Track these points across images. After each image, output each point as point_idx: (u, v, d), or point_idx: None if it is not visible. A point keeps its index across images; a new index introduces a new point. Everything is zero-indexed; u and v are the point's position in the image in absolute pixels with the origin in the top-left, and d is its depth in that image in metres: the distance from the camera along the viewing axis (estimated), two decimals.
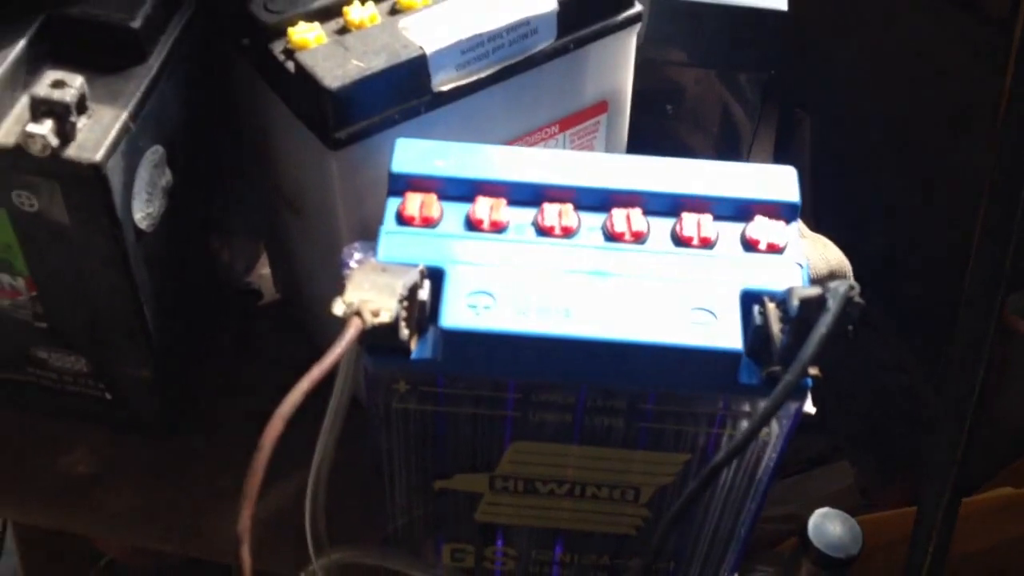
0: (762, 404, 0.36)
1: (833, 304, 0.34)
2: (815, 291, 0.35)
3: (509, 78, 0.51)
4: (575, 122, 0.57)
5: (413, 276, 0.38)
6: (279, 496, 0.56)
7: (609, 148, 0.61)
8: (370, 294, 0.35)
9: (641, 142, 0.64)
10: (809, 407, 0.56)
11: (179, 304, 0.55)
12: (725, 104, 0.71)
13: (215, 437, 0.60)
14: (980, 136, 0.48)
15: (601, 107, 0.58)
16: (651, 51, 0.65)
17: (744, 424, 0.42)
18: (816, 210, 0.89)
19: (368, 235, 0.43)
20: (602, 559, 0.52)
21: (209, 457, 0.60)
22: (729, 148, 0.72)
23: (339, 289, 0.36)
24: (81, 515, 0.59)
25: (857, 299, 0.34)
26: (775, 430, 0.43)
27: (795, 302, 0.36)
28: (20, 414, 0.60)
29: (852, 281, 0.58)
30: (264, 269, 0.69)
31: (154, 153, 0.48)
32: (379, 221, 0.43)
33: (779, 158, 0.84)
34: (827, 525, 0.55)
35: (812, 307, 0.35)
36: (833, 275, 0.62)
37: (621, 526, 0.48)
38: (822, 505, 0.57)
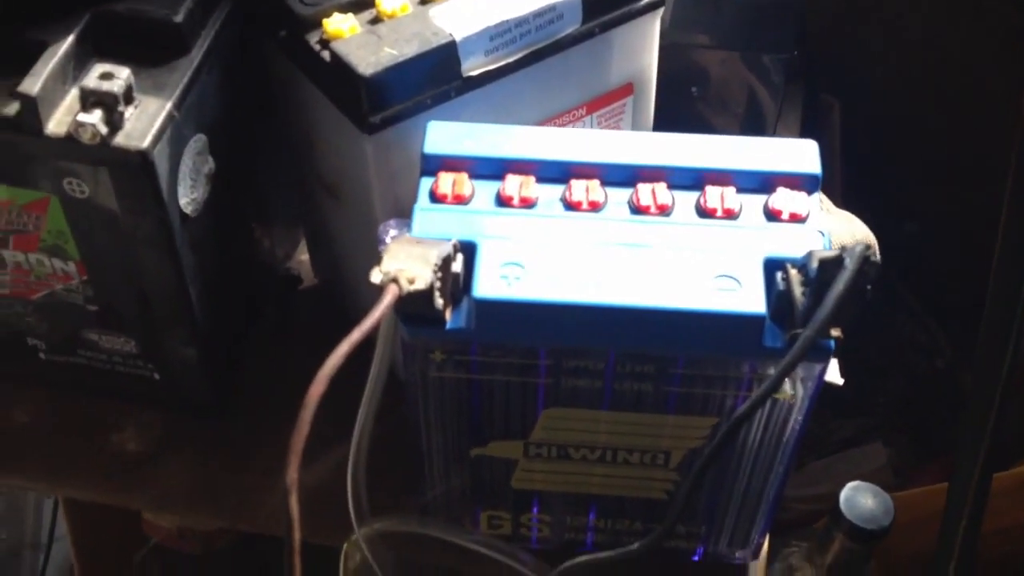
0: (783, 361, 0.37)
1: (850, 263, 0.35)
2: (834, 253, 0.37)
3: (536, 62, 0.53)
4: (602, 104, 0.59)
5: (447, 248, 0.39)
6: (321, 469, 0.58)
7: (635, 129, 0.62)
8: (406, 263, 0.37)
9: (667, 124, 0.65)
10: (836, 377, 0.57)
11: (223, 286, 0.57)
12: (749, 86, 0.72)
13: (260, 417, 0.62)
14: (1012, 120, 0.48)
15: (627, 89, 0.59)
16: (676, 34, 0.66)
17: None
18: (846, 195, 0.90)
19: (403, 215, 0.45)
20: (635, 524, 0.53)
21: (255, 436, 0.62)
22: (754, 129, 0.73)
23: (376, 261, 0.38)
24: (134, 492, 0.61)
25: (874, 258, 0.35)
26: (800, 392, 0.44)
27: (814, 264, 0.37)
28: (73, 395, 0.63)
29: (869, 242, 0.59)
30: (303, 255, 0.71)
31: (197, 141, 0.50)
32: (413, 201, 0.45)
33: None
34: (859, 498, 0.56)
35: (831, 268, 0.36)
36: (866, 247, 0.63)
37: (652, 491, 0.50)
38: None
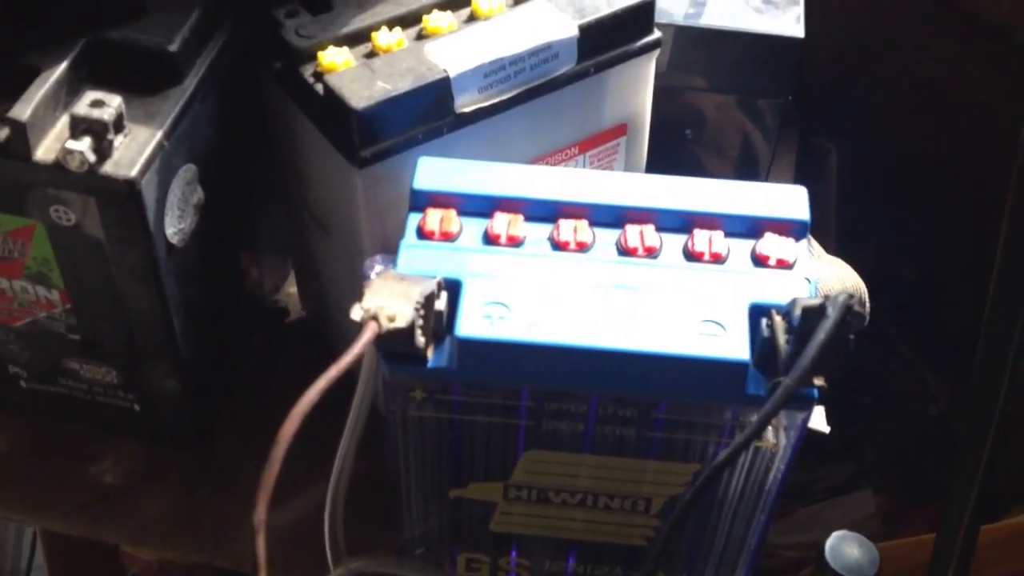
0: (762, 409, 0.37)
1: (832, 312, 0.35)
2: (816, 301, 0.36)
3: (530, 100, 0.53)
4: (595, 144, 0.59)
5: (430, 286, 0.39)
6: (299, 506, 0.58)
7: (628, 169, 0.62)
8: (387, 300, 0.37)
9: (661, 165, 0.66)
10: (822, 425, 0.57)
11: (208, 318, 0.56)
12: (744, 130, 0.72)
13: (244, 449, 0.62)
14: (1009, 170, 0.48)
15: (620, 130, 0.60)
16: (671, 77, 0.66)
17: None
18: (842, 240, 0.90)
19: (391, 250, 0.45)
20: (615, 570, 0.52)
21: (238, 469, 0.61)
22: (747, 173, 0.73)
23: (359, 296, 0.37)
24: (110, 525, 0.60)
25: (857, 308, 0.35)
26: (782, 441, 0.43)
27: (797, 312, 0.37)
28: (52, 425, 0.62)
29: (853, 291, 0.59)
30: (291, 288, 0.70)
31: (187, 171, 0.50)
32: (401, 236, 0.45)
33: (801, 185, 0.85)
34: (844, 547, 0.55)
35: (813, 316, 0.36)
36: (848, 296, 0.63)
37: (633, 537, 0.49)
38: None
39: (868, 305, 0.65)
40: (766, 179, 0.73)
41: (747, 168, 0.73)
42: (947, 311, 0.90)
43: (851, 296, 0.35)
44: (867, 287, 0.62)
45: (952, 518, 0.53)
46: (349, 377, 0.41)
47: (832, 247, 0.91)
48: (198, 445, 0.61)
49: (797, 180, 0.83)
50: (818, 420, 0.67)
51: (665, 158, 0.66)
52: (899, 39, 0.84)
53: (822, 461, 0.98)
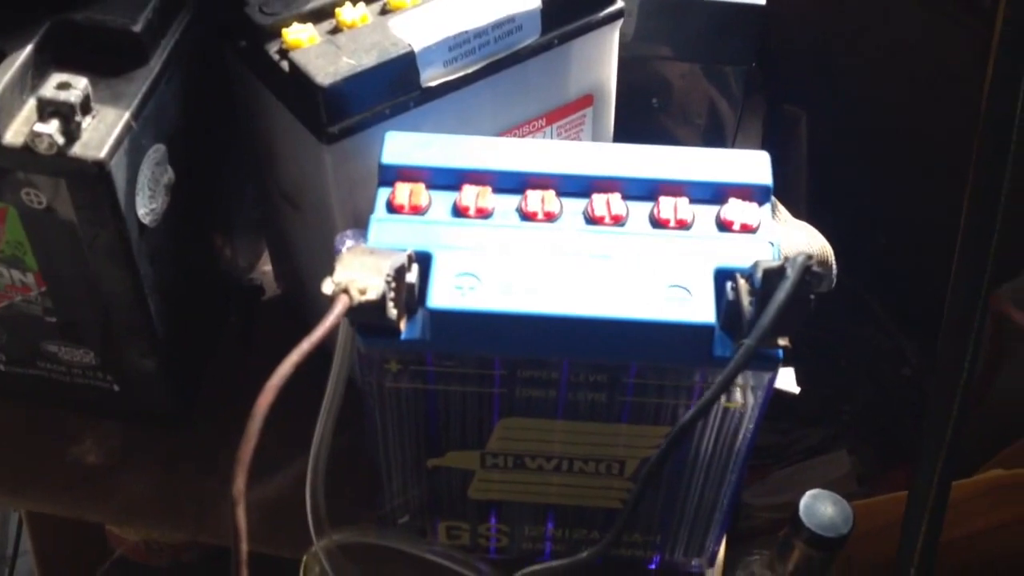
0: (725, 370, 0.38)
1: (792, 273, 0.36)
2: (777, 263, 0.37)
3: (495, 73, 0.53)
4: (561, 115, 0.59)
5: (400, 258, 0.40)
6: (281, 481, 0.58)
7: (595, 140, 0.63)
8: (358, 274, 0.37)
9: (628, 135, 0.66)
10: (791, 385, 0.58)
11: (183, 297, 0.57)
12: (710, 97, 0.73)
13: (223, 428, 0.61)
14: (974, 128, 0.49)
15: (586, 100, 0.60)
16: (637, 46, 0.67)
17: (722, 396, 0.44)
18: (813, 205, 0.91)
19: (361, 225, 0.45)
20: (593, 533, 0.54)
21: (217, 447, 0.62)
22: (714, 140, 0.74)
23: (330, 271, 0.38)
24: (94, 504, 0.61)
25: (816, 268, 0.36)
26: (750, 401, 0.45)
27: (759, 274, 0.38)
28: (32, 407, 0.62)
29: (819, 254, 0.60)
30: (266, 266, 0.71)
31: (156, 151, 0.50)
32: (372, 211, 0.45)
33: (769, 151, 0.85)
34: (818, 506, 0.57)
35: (774, 278, 0.37)
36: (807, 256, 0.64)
37: (609, 500, 0.50)
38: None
39: (835, 267, 0.66)
40: (732, 146, 0.74)
41: (713, 135, 0.74)
42: (920, 273, 0.92)
43: (810, 257, 0.36)
44: (841, 251, 0.63)
45: (924, 474, 0.54)
46: (326, 352, 0.42)
47: (803, 212, 0.92)
48: (177, 424, 0.61)
49: (766, 147, 0.84)
50: (787, 381, 0.68)
51: (632, 128, 0.67)
52: (868, 5, 0.85)
53: (799, 423, 1.00)
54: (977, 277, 0.51)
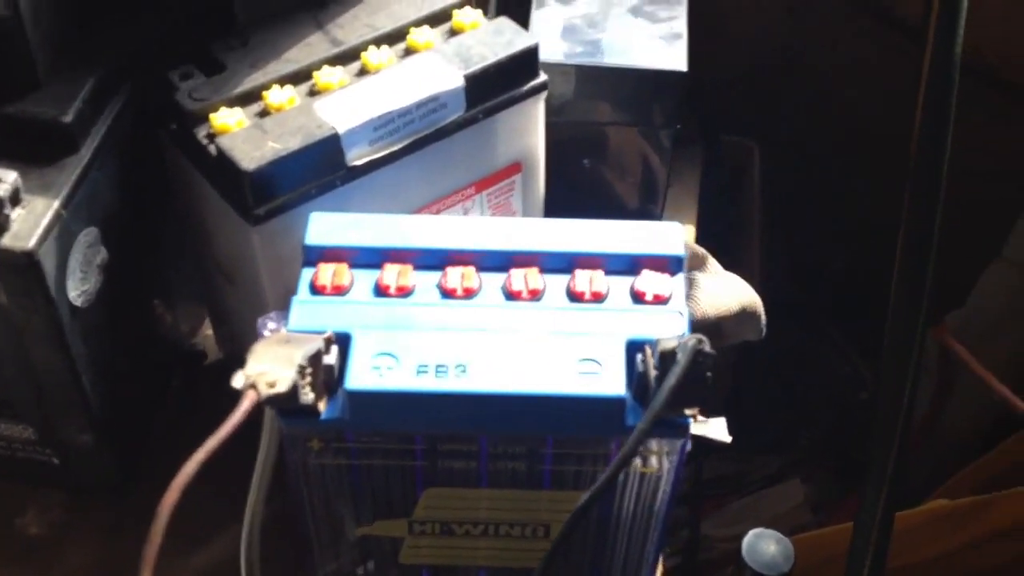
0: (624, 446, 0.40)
1: (682, 357, 0.38)
2: (671, 344, 0.39)
3: (421, 149, 0.55)
4: (490, 183, 0.61)
5: (316, 344, 0.41)
6: (217, 549, 0.59)
7: (526, 205, 0.65)
8: (268, 366, 0.39)
9: (562, 194, 0.68)
10: (723, 435, 0.60)
11: (119, 371, 0.58)
12: (643, 154, 0.75)
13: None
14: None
15: (515, 168, 0.62)
16: (572, 111, 0.69)
17: (637, 461, 0.46)
18: (769, 235, 0.93)
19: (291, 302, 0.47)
20: None
21: None
22: (648, 194, 0.76)
23: (241, 363, 0.40)
24: (39, 574, 0.62)
25: (708, 350, 0.38)
26: (665, 465, 0.46)
27: (655, 356, 0.40)
28: None
29: (748, 307, 0.61)
30: (209, 330, 0.72)
31: (87, 235, 0.52)
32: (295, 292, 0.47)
33: (714, 192, 0.88)
34: (761, 545, 0.58)
35: (668, 359, 0.39)
36: (744, 311, 0.66)
37: (536, 560, 0.52)
38: (775, 524, 0.60)
39: (764, 319, 0.69)
40: (664, 198, 0.76)
41: (647, 190, 0.76)
42: (876, 297, 0.94)
43: (700, 341, 0.38)
44: (799, 276, 0.65)
45: (868, 505, 0.54)
46: (257, 421, 0.43)
47: (756, 243, 0.94)
48: (120, 494, 0.62)
49: (710, 187, 0.86)
50: (719, 431, 0.70)
51: (567, 186, 0.69)
52: (816, 36, 0.87)
53: (759, 451, 1.02)
54: (914, 309, 0.52)
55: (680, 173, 0.84)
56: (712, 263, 0.70)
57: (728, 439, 0.64)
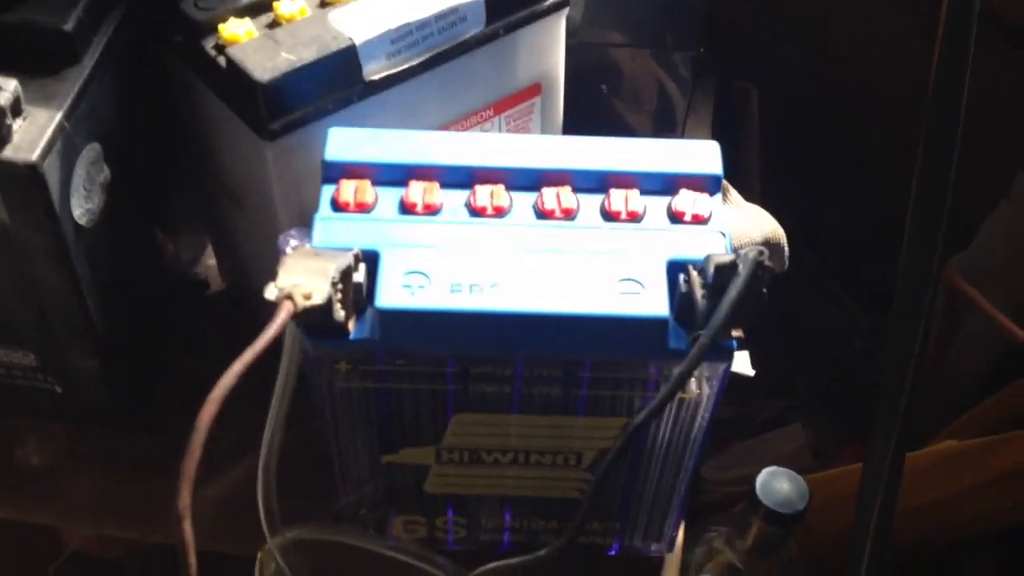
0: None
1: (744, 269, 0.36)
2: (729, 257, 0.37)
3: (440, 65, 0.52)
4: (509, 105, 0.59)
5: (346, 259, 0.39)
6: (233, 478, 0.58)
7: (544, 129, 0.62)
8: (302, 278, 0.36)
9: (578, 121, 0.66)
10: (746, 369, 0.58)
11: (123, 296, 0.56)
12: (659, 81, 0.73)
13: (169, 426, 0.60)
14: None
15: (534, 90, 0.59)
16: (584, 32, 0.67)
17: None
18: (766, 180, 0.91)
19: (306, 222, 0.44)
20: (551, 523, 0.54)
21: (164, 445, 0.60)
22: (665, 125, 0.74)
23: (272, 275, 0.37)
24: (40, 507, 0.60)
25: (767, 263, 0.36)
26: (705, 390, 0.45)
27: (711, 269, 0.38)
28: None
29: (771, 238, 0.60)
30: (211, 260, 0.69)
31: (91, 150, 0.49)
32: (316, 208, 0.44)
33: (721, 132, 0.86)
34: (775, 483, 0.57)
35: (726, 273, 0.37)
36: (767, 242, 0.65)
37: (565, 490, 0.50)
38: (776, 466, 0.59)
39: (787, 249, 0.67)
40: (682, 130, 0.74)
41: (664, 120, 0.74)
42: (872, 246, 0.93)
43: (761, 252, 0.36)
44: (795, 226, 0.63)
45: (878, 447, 0.54)
46: (274, 347, 0.41)
47: (756, 188, 0.92)
48: (123, 424, 0.60)
49: (717, 126, 0.84)
50: (742, 364, 0.69)
51: (582, 114, 0.67)
52: None
53: (758, 395, 1.01)
54: (928, 251, 0.51)
55: (695, 109, 0.82)
56: (734, 194, 0.68)
57: (751, 372, 0.62)
